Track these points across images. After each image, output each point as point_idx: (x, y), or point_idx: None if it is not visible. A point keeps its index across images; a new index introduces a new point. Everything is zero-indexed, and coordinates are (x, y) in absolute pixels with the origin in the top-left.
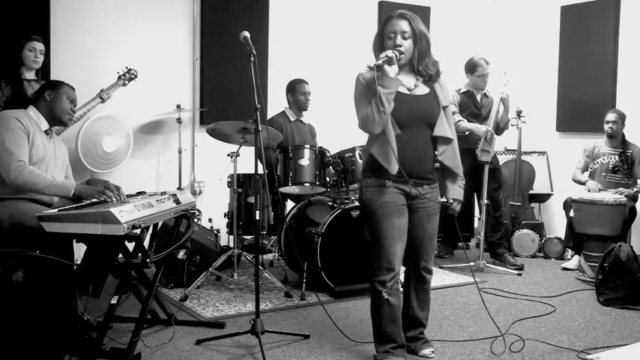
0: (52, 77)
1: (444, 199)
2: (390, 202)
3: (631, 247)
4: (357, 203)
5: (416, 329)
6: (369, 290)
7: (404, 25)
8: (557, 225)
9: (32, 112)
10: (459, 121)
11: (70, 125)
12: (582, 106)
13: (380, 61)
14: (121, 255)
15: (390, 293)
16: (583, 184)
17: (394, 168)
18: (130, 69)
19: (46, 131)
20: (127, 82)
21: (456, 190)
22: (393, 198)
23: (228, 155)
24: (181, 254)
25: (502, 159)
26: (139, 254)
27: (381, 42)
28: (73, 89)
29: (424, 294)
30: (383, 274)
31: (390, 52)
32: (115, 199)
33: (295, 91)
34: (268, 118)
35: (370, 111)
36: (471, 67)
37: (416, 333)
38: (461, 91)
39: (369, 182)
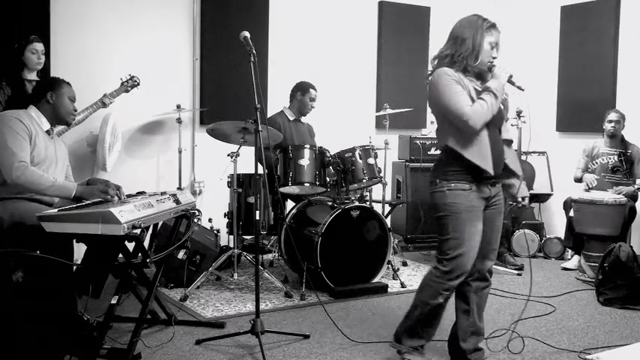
0: None
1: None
2: (476, 206)
3: (631, 247)
4: (357, 203)
5: (474, 338)
6: (426, 287)
7: (499, 38)
8: (557, 225)
9: (33, 113)
10: None
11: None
12: (582, 106)
13: (516, 83)
14: (121, 255)
15: (449, 296)
16: (580, 179)
17: (491, 169)
18: (133, 76)
19: (47, 131)
20: (129, 89)
21: (524, 188)
22: (478, 203)
23: (228, 155)
24: (181, 254)
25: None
26: (139, 254)
27: (476, 38)
28: (70, 85)
29: (484, 300)
30: (455, 279)
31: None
32: (116, 199)
33: (307, 92)
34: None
35: (485, 106)
36: None
37: (475, 344)
38: None
39: (456, 185)
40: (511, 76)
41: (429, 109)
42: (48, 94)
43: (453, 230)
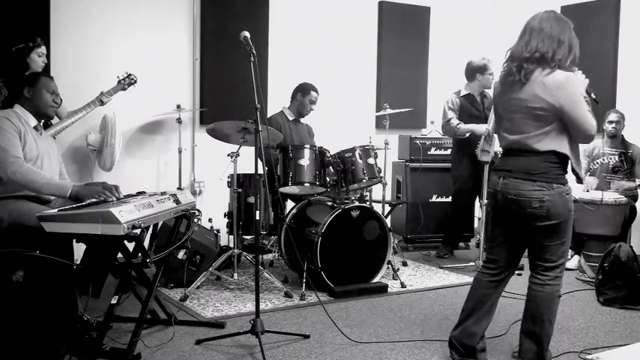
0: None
1: None
2: None
3: (631, 247)
4: (357, 203)
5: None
6: (554, 299)
7: None
8: None
9: (18, 110)
10: (458, 124)
11: (66, 121)
12: None
13: (592, 94)
14: (120, 255)
15: None
16: (581, 180)
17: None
18: (130, 74)
19: (35, 127)
20: (126, 87)
21: None
22: None
23: (228, 155)
24: (181, 254)
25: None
26: (139, 254)
27: (572, 40)
28: (51, 79)
29: None
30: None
31: None
32: (114, 198)
33: (307, 94)
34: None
35: (595, 122)
36: (480, 69)
37: (484, 343)
38: (461, 94)
39: (569, 189)
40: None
41: (429, 109)
42: (25, 90)
43: (569, 233)
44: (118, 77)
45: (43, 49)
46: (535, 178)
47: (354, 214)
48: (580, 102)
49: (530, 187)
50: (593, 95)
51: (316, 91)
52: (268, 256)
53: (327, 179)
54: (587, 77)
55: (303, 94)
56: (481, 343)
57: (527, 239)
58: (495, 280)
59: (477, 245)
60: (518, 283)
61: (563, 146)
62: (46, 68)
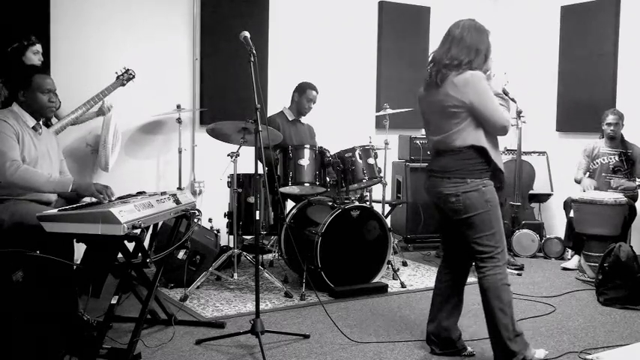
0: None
1: None
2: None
3: (631, 247)
4: (357, 203)
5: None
6: (499, 288)
7: None
8: (557, 225)
9: (16, 109)
10: None
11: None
12: (582, 106)
13: (509, 94)
14: (120, 255)
15: None
16: (580, 181)
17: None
18: (128, 69)
19: (34, 127)
20: (125, 82)
21: None
22: None
23: (228, 155)
24: (181, 254)
25: (502, 159)
26: (139, 254)
27: (488, 50)
28: (46, 75)
29: None
30: (506, 255)
31: None
32: (105, 200)
33: (304, 93)
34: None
35: (508, 115)
36: None
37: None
38: None
39: (488, 181)
40: (506, 84)
41: None
42: (20, 94)
43: (496, 223)
44: (116, 73)
45: (38, 47)
46: (450, 175)
47: (354, 214)
48: (487, 96)
49: (446, 184)
50: (510, 95)
51: (314, 89)
52: (268, 256)
53: (327, 179)
54: (585, 77)
55: (299, 93)
56: (456, 332)
57: (458, 235)
58: (451, 274)
59: None
60: (518, 283)
61: (480, 140)
62: (46, 67)
